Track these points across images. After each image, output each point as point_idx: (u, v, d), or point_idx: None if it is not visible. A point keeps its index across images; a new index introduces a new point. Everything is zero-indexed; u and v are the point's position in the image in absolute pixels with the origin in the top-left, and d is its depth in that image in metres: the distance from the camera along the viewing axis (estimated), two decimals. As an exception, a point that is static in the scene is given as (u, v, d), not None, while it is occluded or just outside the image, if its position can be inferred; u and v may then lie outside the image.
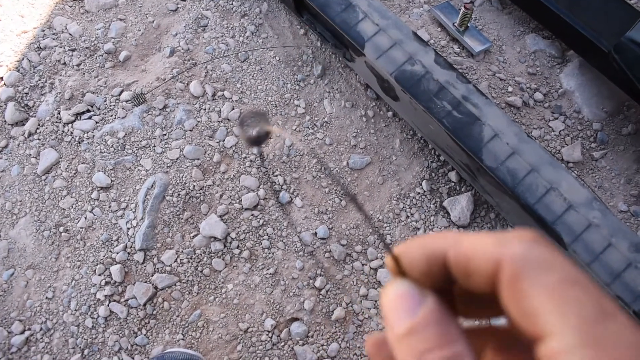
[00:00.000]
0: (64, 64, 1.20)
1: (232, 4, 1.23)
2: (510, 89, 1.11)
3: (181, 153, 1.07)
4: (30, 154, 1.11)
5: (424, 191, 1.04)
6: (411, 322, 0.20)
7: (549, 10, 1.06)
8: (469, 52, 1.14)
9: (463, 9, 1.10)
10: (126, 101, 1.13)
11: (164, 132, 1.10)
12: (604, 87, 1.11)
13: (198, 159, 1.07)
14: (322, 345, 0.94)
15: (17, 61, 1.21)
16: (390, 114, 1.10)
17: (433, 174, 1.05)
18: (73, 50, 1.21)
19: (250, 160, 1.07)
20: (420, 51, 0.95)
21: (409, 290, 0.21)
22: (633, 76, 0.96)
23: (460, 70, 1.07)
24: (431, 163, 1.06)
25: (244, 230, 1.01)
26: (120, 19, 1.25)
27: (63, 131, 1.12)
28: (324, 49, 1.16)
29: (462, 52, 1.14)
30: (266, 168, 0.93)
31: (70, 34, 1.23)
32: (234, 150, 1.08)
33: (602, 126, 1.09)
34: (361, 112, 1.10)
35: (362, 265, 0.99)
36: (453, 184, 1.04)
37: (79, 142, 1.11)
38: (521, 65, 1.14)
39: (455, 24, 1.14)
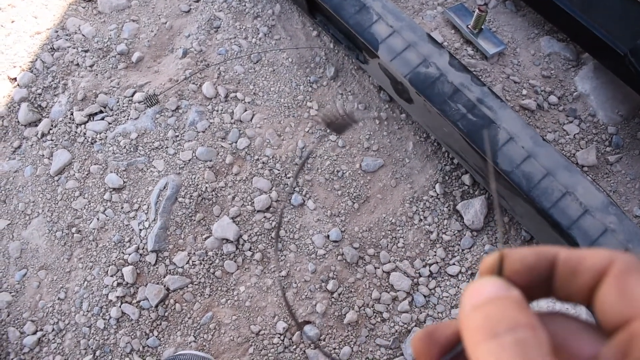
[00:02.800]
0: (77, 65, 1.20)
1: (245, 5, 1.22)
2: (524, 91, 1.10)
3: (194, 154, 1.07)
4: (43, 155, 1.12)
5: (437, 194, 1.03)
6: (492, 294, 0.22)
7: (564, 13, 1.05)
8: (482, 54, 1.13)
9: (477, 11, 1.09)
10: (139, 102, 1.13)
11: (177, 134, 1.10)
12: (619, 91, 1.09)
13: (210, 161, 1.07)
14: (335, 348, 0.93)
15: (31, 62, 1.22)
16: (403, 116, 1.10)
17: (446, 177, 1.04)
18: (86, 51, 1.21)
19: (263, 162, 1.06)
20: (435, 53, 0.95)
21: (498, 281, 0.23)
22: (650, 80, 0.95)
23: (474, 73, 1.06)
24: (444, 166, 1.05)
25: (256, 232, 1.01)
26: (133, 20, 1.25)
27: (76, 132, 1.13)
28: (336, 51, 1.16)
29: (476, 55, 1.14)
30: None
31: (83, 35, 1.23)
32: (246, 152, 1.08)
33: (617, 130, 1.08)
34: (374, 114, 1.10)
35: (375, 268, 0.98)
36: (467, 187, 1.03)
37: (92, 143, 1.11)
38: (535, 68, 1.13)
39: (469, 26, 1.13)
